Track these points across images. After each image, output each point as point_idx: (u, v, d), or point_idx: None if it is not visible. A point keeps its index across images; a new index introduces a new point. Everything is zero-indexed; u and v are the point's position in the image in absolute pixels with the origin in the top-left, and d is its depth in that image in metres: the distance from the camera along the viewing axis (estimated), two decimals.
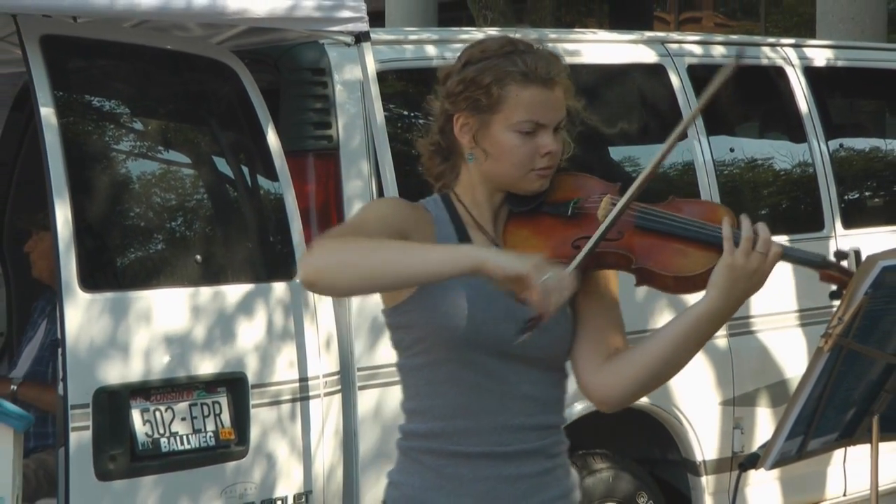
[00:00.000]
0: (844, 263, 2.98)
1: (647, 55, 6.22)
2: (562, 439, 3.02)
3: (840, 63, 7.17)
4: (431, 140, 3.00)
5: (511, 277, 2.57)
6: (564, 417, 3.03)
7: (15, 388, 5.39)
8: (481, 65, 2.90)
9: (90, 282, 4.61)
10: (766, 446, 3.63)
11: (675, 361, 2.86)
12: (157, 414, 4.71)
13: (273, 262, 5.09)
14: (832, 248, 6.59)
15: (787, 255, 2.84)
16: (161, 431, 4.71)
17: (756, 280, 2.77)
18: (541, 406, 2.94)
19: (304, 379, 5.02)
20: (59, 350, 4.56)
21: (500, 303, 2.78)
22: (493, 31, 5.95)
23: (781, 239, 6.24)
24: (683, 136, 6.19)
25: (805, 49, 6.94)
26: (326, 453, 5.06)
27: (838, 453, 6.42)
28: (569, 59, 6.18)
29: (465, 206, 2.97)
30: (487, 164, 2.91)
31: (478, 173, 2.94)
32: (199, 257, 5.07)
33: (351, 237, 2.77)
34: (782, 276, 6.23)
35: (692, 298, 2.88)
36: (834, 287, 2.99)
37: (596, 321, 2.94)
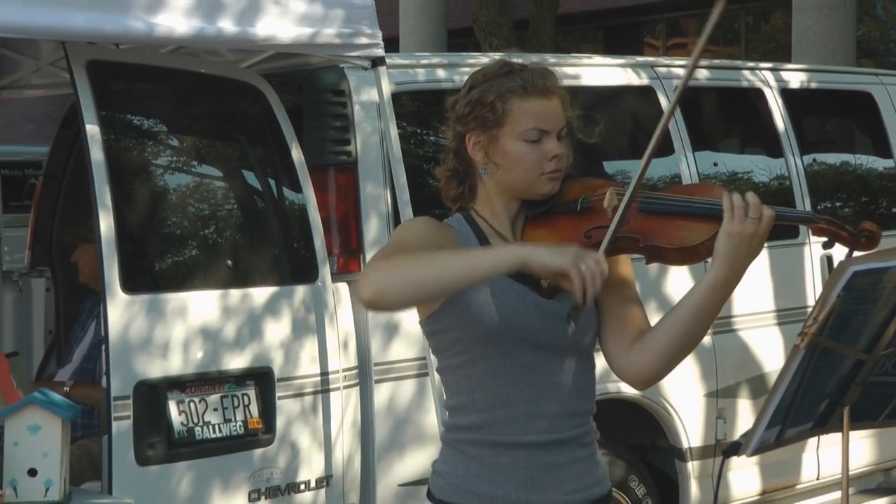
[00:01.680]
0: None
1: (638, 78, 6.23)
2: (593, 428, 3.04)
3: (813, 85, 7.18)
4: (447, 167, 3.02)
5: (554, 270, 2.61)
6: (594, 405, 3.03)
7: (67, 389, 5.41)
8: (484, 86, 2.93)
9: (131, 284, 4.61)
10: (747, 435, 3.64)
11: (697, 330, 2.86)
12: (192, 405, 4.71)
13: (297, 267, 5.10)
14: (807, 255, 6.60)
15: (780, 216, 2.83)
16: (195, 421, 4.71)
17: (755, 244, 2.78)
18: (573, 392, 2.95)
19: (324, 373, 5.02)
20: (103, 347, 4.57)
21: (527, 297, 2.84)
22: (497, 56, 5.96)
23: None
24: (660, 150, 6.21)
25: (782, 72, 6.95)
26: (345, 441, 5.06)
27: (812, 441, 6.42)
28: (567, 82, 6.18)
29: (484, 219, 2.99)
30: (500, 174, 2.93)
31: (493, 185, 2.96)
32: (229, 262, 5.07)
33: (402, 255, 2.79)
34: (761, 280, 6.23)
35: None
36: (825, 238, 2.94)
37: (618, 308, 2.96)
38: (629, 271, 3.02)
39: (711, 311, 2.84)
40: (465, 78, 3.05)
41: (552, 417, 2.91)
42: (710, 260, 2.82)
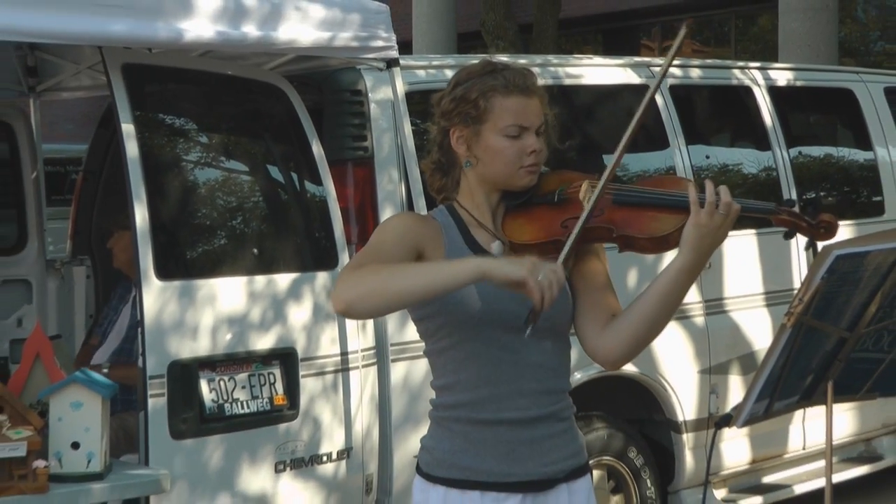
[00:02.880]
0: (795, 209, 2.94)
1: (635, 77, 6.22)
2: (569, 404, 3.04)
3: (799, 83, 7.17)
4: (432, 159, 3.02)
5: (511, 281, 2.61)
6: (571, 383, 3.04)
7: (106, 370, 5.41)
8: (468, 84, 2.92)
9: (164, 271, 4.62)
10: (738, 408, 3.64)
11: (664, 314, 2.87)
12: (222, 383, 4.72)
13: (318, 254, 5.10)
14: (793, 241, 6.58)
15: (745, 209, 2.82)
16: (225, 398, 4.72)
17: (720, 235, 2.79)
18: (550, 372, 2.95)
19: (344, 353, 5.03)
20: (139, 329, 4.58)
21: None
22: (502, 57, 5.95)
23: (748, 232, 6.29)
24: (657, 145, 6.20)
25: (769, 71, 6.94)
26: (364, 416, 5.07)
27: (798, 413, 6.42)
28: (569, 81, 6.24)
29: (466, 210, 2.98)
30: (482, 167, 2.92)
31: (475, 177, 2.95)
32: (255, 250, 5.07)
33: (371, 265, 2.78)
34: (750, 264, 6.23)
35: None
36: (786, 229, 2.94)
37: (591, 294, 2.96)
38: (603, 260, 3.02)
39: (678, 295, 2.84)
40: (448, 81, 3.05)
41: (531, 395, 2.92)
42: None
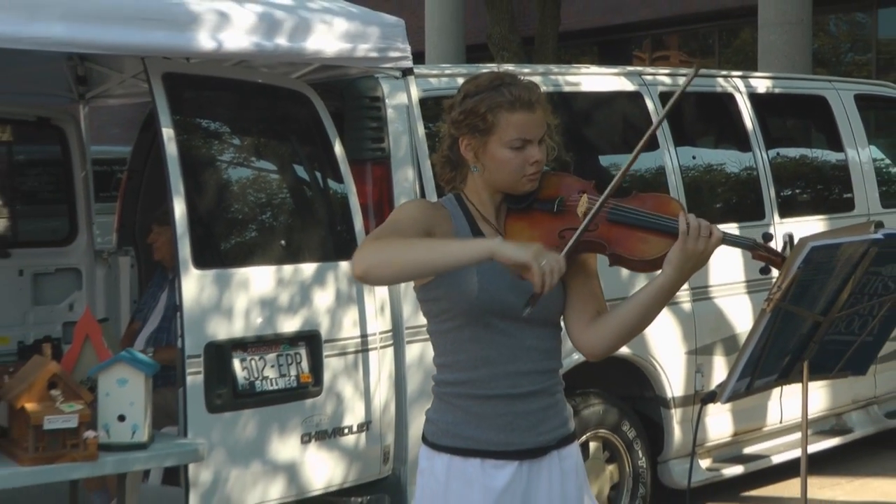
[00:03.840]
0: (771, 244, 2.97)
1: (628, 85, 6.21)
2: (559, 381, 3.03)
3: (777, 90, 7.15)
4: (442, 154, 3.00)
5: (517, 263, 2.60)
6: (561, 363, 3.04)
7: (151, 353, 5.43)
8: (477, 98, 2.89)
9: (201, 261, 4.62)
10: (722, 385, 3.63)
11: (643, 321, 2.91)
12: (253, 362, 4.72)
13: (340, 246, 5.10)
14: (772, 233, 6.57)
15: (726, 240, 2.85)
16: (256, 375, 4.72)
17: (702, 259, 2.81)
18: (543, 354, 2.95)
19: (364, 335, 5.03)
20: (178, 314, 4.58)
21: (505, 277, 2.80)
22: (508, 67, 5.94)
23: (732, 226, 6.27)
24: (648, 146, 6.19)
25: (750, 79, 6.94)
26: (382, 393, 5.07)
27: (776, 390, 6.41)
28: (568, 88, 6.22)
29: (473, 205, 2.97)
30: (487, 174, 2.92)
31: (481, 181, 2.94)
32: (283, 242, 5.08)
33: (390, 237, 2.78)
34: (733, 255, 6.21)
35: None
36: (763, 264, 2.98)
37: (582, 292, 2.97)
38: (594, 264, 3.02)
39: (658, 307, 2.89)
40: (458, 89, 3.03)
41: (525, 374, 2.92)
42: None
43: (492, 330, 2.89)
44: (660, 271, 2.86)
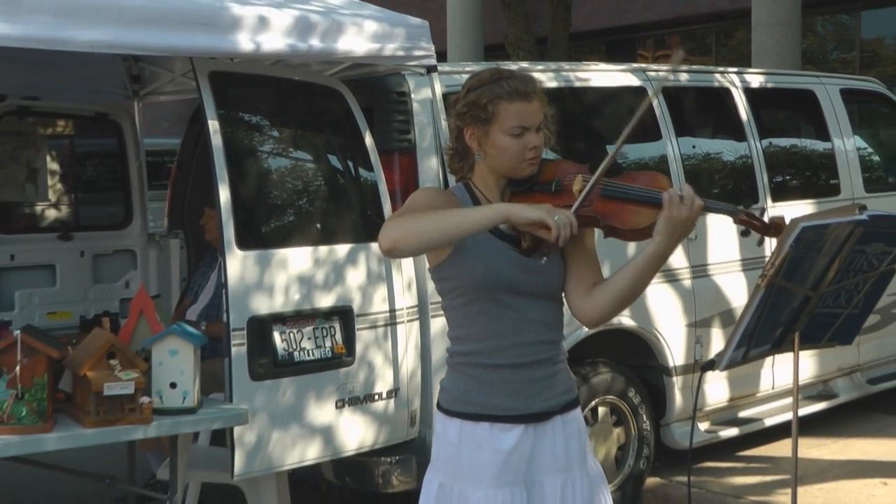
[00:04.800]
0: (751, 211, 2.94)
1: (633, 80, 6.17)
2: (562, 350, 3.03)
3: (769, 85, 7.12)
4: (451, 146, 3.01)
5: (532, 221, 2.63)
6: (563, 335, 3.03)
7: (203, 327, 5.46)
8: (479, 91, 2.91)
9: (244, 243, 4.62)
10: (720, 354, 3.62)
11: (636, 288, 2.88)
12: (291, 335, 4.72)
13: (370, 228, 5.09)
14: (765, 216, 6.55)
15: (708, 207, 2.83)
16: (294, 347, 4.72)
17: (688, 226, 2.78)
18: (546, 326, 2.96)
19: (392, 310, 5.02)
20: (224, 291, 4.59)
21: (510, 254, 2.83)
22: (524, 64, 5.92)
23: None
24: (652, 137, 6.16)
25: (744, 75, 6.90)
26: (409, 362, 5.06)
27: (769, 359, 6.40)
28: (578, 84, 6.20)
29: (480, 190, 2.98)
30: (491, 160, 2.92)
31: (486, 167, 2.95)
32: (318, 225, 5.07)
33: (411, 214, 2.79)
34: (729, 236, 6.18)
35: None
36: (743, 227, 2.95)
37: (580, 266, 2.96)
38: (592, 240, 3.01)
39: (649, 274, 2.85)
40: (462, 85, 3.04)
41: (530, 345, 2.92)
42: None
43: (499, 304, 2.89)
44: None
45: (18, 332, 4.04)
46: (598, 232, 2.98)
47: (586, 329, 5.40)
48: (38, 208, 7.38)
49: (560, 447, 2.98)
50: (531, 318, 2.91)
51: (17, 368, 3.99)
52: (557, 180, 2.93)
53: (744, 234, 2.97)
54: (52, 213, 7.46)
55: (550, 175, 2.96)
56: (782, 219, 2.94)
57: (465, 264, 2.85)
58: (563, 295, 2.99)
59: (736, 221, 2.92)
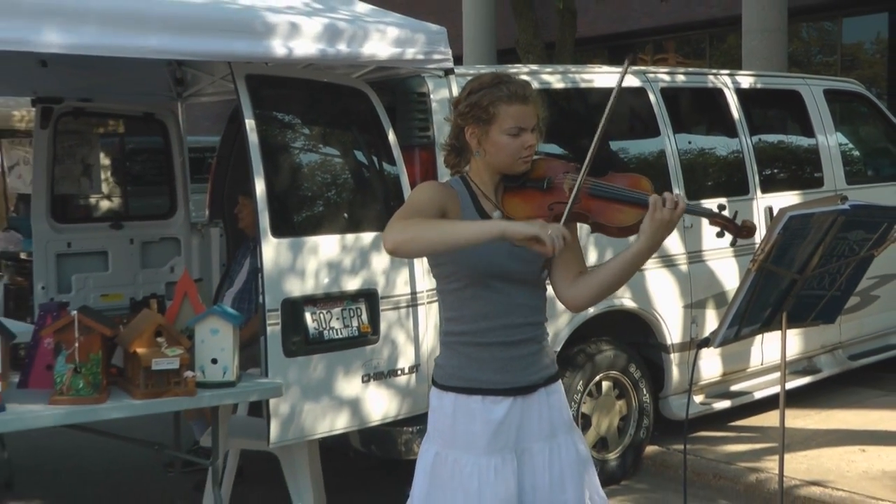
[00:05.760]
0: (725, 212, 2.93)
1: (634, 81, 6.14)
2: (545, 331, 3.05)
3: (759, 86, 7.08)
4: (448, 143, 3.01)
5: (527, 237, 2.60)
6: (546, 317, 3.05)
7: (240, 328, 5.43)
8: (480, 93, 2.90)
9: (278, 231, 4.62)
10: (714, 333, 3.60)
11: (620, 280, 2.89)
12: (321, 315, 4.72)
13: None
14: (754, 205, 6.53)
15: (689, 209, 2.83)
16: (324, 326, 4.72)
17: (670, 227, 2.78)
18: (531, 309, 2.97)
19: (413, 293, 5.02)
20: (259, 275, 4.59)
21: (501, 246, 2.81)
22: (533, 66, 5.89)
23: (721, 200, 6.21)
24: (651, 134, 6.13)
25: (736, 77, 6.87)
26: (428, 340, 5.06)
27: (759, 337, 6.38)
28: (583, 84, 6.16)
29: (476, 184, 2.97)
30: (489, 157, 2.92)
31: (483, 164, 2.94)
32: (346, 214, 5.07)
33: (415, 218, 2.77)
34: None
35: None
36: (718, 229, 2.94)
37: (566, 257, 2.95)
38: (576, 233, 3.01)
39: (632, 270, 2.86)
40: (463, 87, 3.03)
41: (517, 326, 2.93)
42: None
43: (489, 289, 2.90)
44: (634, 237, 2.86)
45: (75, 312, 4.07)
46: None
47: (590, 311, 5.39)
48: (92, 200, 7.41)
49: (545, 416, 3.00)
50: (518, 302, 2.93)
51: (76, 345, 4.01)
52: (549, 179, 2.93)
53: (719, 235, 2.97)
54: (104, 205, 7.49)
55: (541, 172, 2.96)
56: (753, 225, 2.94)
57: (462, 253, 2.85)
58: (550, 282, 3.00)
59: (712, 223, 2.93)
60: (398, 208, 4.92)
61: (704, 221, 6.41)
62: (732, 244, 3.09)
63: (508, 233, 2.61)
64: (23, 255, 9.23)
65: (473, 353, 2.93)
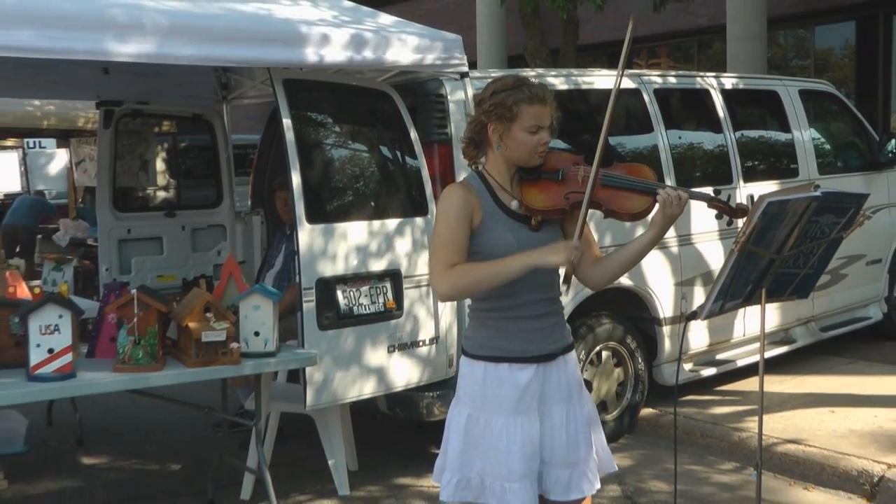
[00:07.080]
0: (722, 197, 2.99)
1: (630, 83, 6.11)
2: (561, 305, 3.07)
3: (741, 87, 7.03)
4: (468, 136, 3.00)
5: (557, 265, 2.74)
6: (560, 292, 3.06)
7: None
8: (504, 94, 2.90)
9: (312, 218, 4.63)
10: (701, 307, 3.58)
11: (631, 266, 2.95)
12: (351, 293, 4.73)
13: (414, 206, 5.09)
14: (738, 193, 6.49)
15: (691, 196, 2.89)
16: (353, 303, 4.73)
17: (676, 214, 2.85)
18: (550, 286, 3.00)
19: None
20: (296, 258, 4.60)
21: (521, 232, 2.88)
22: (540, 70, 5.86)
23: (708, 188, 6.16)
24: (645, 130, 6.09)
25: (721, 79, 6.82)
26: (447, 315, 5.07)
27: (741, 310, 6.35)
28: (584, 86, 6.12)
29: (493, 177, 2.97)
30: (508, 152, 2.92)
31: (501, 157, 2.94)
32: (372, 203, 5.07)
33: (458, 268, 2.82)
34: (709, 213, 6.13)
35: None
36: (716, 211, 3.00)
37: (586, 252, 2.99)
38: (589, 229, 3.02)
39: (642, 256, 2.93)
40: (485, 86, 3.02)
41: (539, 301, 2.96)
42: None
43: None
44: (647, 219, 2.89)
45: (135, 291, 4.08)
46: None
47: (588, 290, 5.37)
48: (149, 191, 7.43)
49: (563, 381, 3.02)
50: (539, 281, 2.94)
51: (135, 320, 4.03)
52: (562, 170, 2.93)
53: (718, 216, 3.02)
54: (159, 196, 7.51)
55: (553, 164, 2.96)
56: (746, 206, 3.00)
57: (489, 241, 2.87)
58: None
59: (710, 206, 2.96)
60: (419, 197, 4.91)
61: (694, 208, 6.38)
62: (729, 224, 3.12)
63: (541, 263, 2.75)
64: (89, 241, 9.30)
65: (502, 325, 2.94)
